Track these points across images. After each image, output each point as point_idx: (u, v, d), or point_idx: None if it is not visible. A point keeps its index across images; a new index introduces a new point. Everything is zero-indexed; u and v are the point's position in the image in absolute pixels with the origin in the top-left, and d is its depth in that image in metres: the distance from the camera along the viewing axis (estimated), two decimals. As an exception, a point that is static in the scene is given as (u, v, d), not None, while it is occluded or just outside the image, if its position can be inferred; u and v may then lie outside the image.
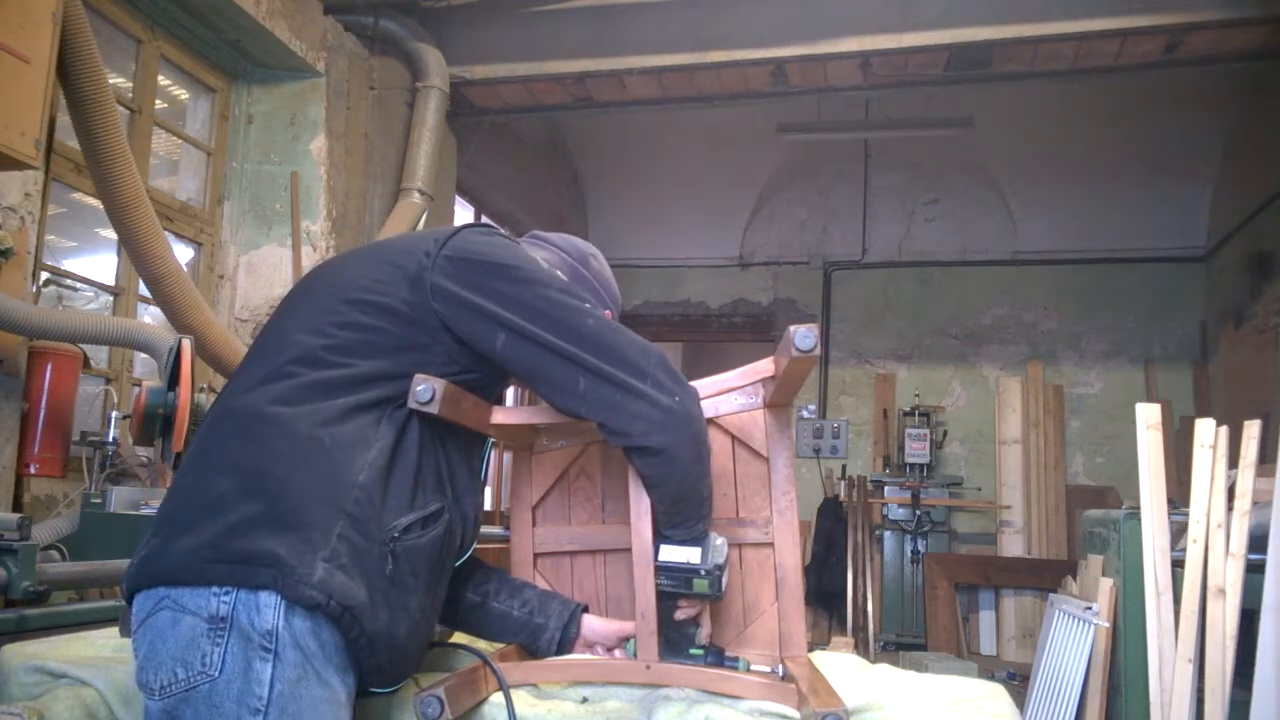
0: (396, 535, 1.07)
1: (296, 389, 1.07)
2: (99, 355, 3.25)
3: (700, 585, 1.20)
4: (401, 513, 1.09)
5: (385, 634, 1.05)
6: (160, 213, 2.98)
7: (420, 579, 1.11)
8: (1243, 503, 2.67)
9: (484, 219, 1.28)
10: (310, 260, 3.81)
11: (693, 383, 1.37)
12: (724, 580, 1.22)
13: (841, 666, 1.41)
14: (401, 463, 1.10)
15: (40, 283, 2.93)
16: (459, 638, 1.41)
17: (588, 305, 1.14)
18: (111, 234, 2.89)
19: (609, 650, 1.32)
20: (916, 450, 6.35)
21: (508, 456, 4.07)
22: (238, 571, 0.97)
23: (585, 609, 1.35)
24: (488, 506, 6.43)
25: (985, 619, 6.25)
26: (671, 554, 1.20)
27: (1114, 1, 3.86)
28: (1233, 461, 2.76)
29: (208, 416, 1.14)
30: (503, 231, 1.25)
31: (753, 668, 1.28)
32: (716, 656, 1.27)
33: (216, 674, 0.96)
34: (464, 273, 1.12)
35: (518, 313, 1.10)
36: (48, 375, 2.67)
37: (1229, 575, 2.64)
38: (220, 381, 3.10)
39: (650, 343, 1.15)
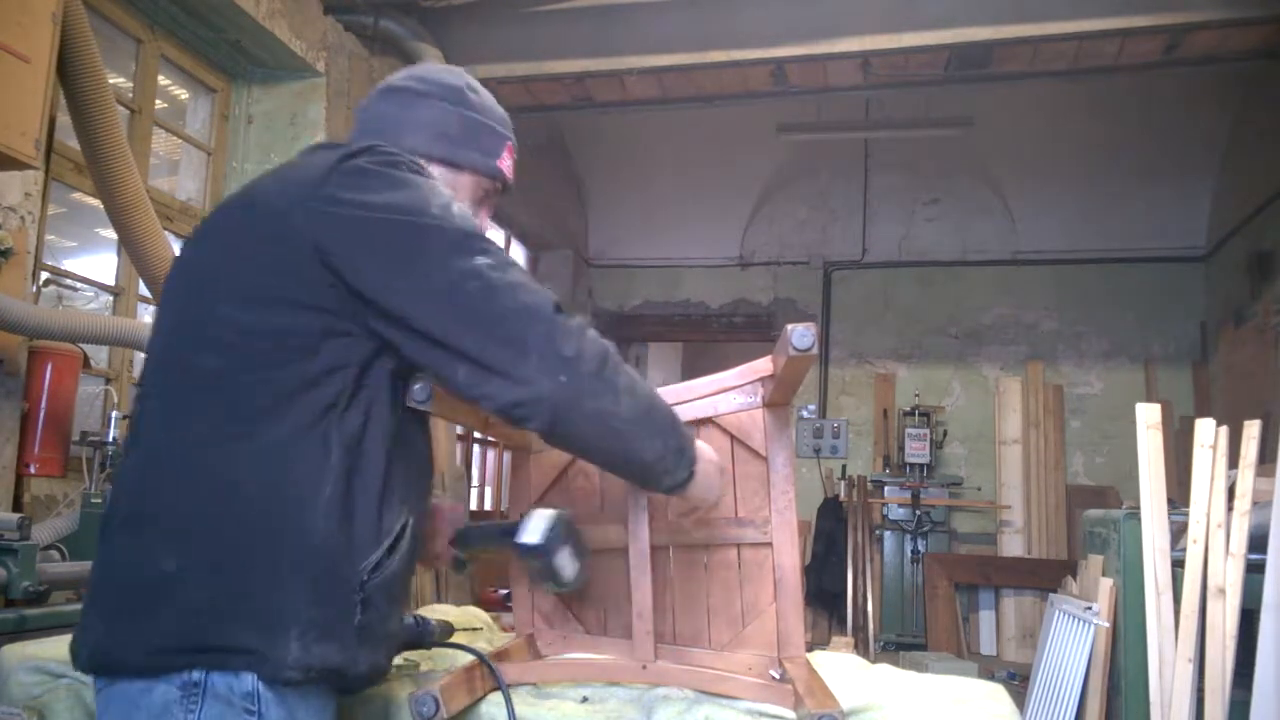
0: (365, 578, 0.99)
1: (227, 431, 0.95)
2: (99, 355, 3.25)
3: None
4: (369, 548, 1.00)
5: (368, 670, 1.03)
6: (160, 213, 2.98)
7: (395, 601, 1.06)
8: (1243, 503, 2.66)
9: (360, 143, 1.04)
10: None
11: (691, 382, 1.37)
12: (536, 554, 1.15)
13: (841, 666, 1.42)
14: (361, 482, 1.00)
15: (40, 283, 2.92)
16: (458, 638, 1.42)
17: (479, 260, 0.97)
18: (111, 234, 2.89)
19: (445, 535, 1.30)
20: (916, 450, 6.35)
21: (508, 456, 4.07)
22: (207, 658, 0.92)
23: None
24: (487, 506, 6.42)
25: (985, 619, 6.24)
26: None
27: (1114, 1, 3.86)
28: (1233, 461, 2.75)
29: (127, 461, 1.02)
30: (383, 147, 1.06)
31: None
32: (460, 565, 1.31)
33: None
34: (341, 242, 0.97)
35: (390, 298, 0.97)
36: (48, 375, 2.67)
37: (1229, 575, 2.64)
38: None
39: (543, 296, 1.00)
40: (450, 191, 1.06)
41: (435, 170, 1.15)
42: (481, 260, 0.98)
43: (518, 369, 0.96)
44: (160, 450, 0.98)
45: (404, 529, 1.05)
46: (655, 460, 1.08)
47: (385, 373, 1.03)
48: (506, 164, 1.24)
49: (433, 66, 1.26)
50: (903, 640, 5.96)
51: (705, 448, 1.18)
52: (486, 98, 1.24)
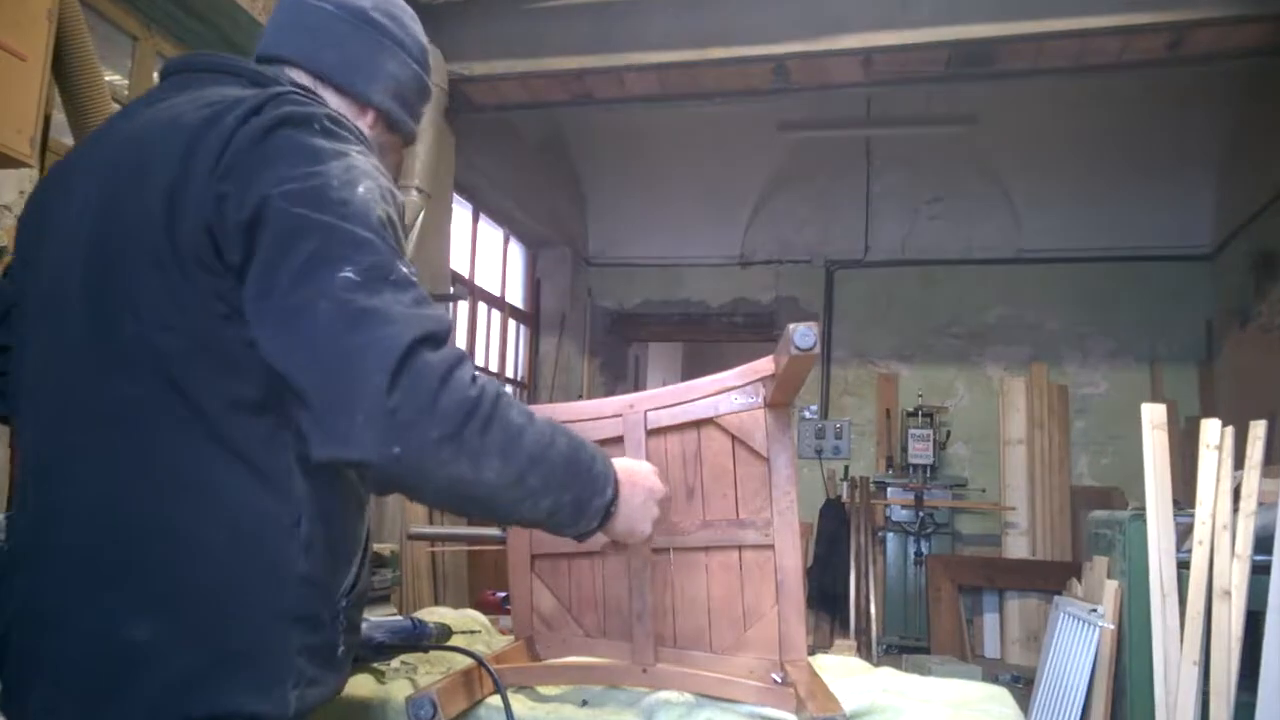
0: (344, 602, 0.93)
1: (174, 475, 0.83)
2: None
3: None
4: (346, 570, 0.94)
5: (341, 688, 0.99)
6: (158, 211, 2.97)
7: (362, 609, 1.01)
8: (1248, 504, 2.65)
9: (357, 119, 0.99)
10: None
11: (692, 382, 1.36)
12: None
13: (844, 670, 1.40)
14: (333, 503, 0.91)
15: (37, 282, 2.92)
16: (456, 640, 1.40)
17: (344, 273, 0.79)
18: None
19: None
20: (920, 451, 6.33)
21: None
22: None
23: None
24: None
25: (989, 621, 6.22)
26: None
27: (1117, -2, 3.84)
28: (1238, 462, 2.74)
29: (48, 499, 0.87)
30: (292, 95, 0.89)
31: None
32: None
33: None
34: (232, 229, 0.82)
35: (250, 310, 0.82)
36: (44, 375, 2.66)
37: (1234, 577, 2.62)
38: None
39: (402, 329, 0.79)
40: (363, 159, 0.89)
41: (376, 129, 1.06)
42: (346, 274, 0.79)
43: (341, 425, 0.77)
44: (97, 498, 0.85)
45: (368, 529, 0.99)
46: (544, 517, 0.92)
47: None
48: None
49: None
50: (906, 643, 5.94)
51: (639, 472, 1.04)
52: (424, 37, 1.12)
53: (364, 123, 1.05)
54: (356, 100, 1.05)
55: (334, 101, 1.02)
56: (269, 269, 0.80)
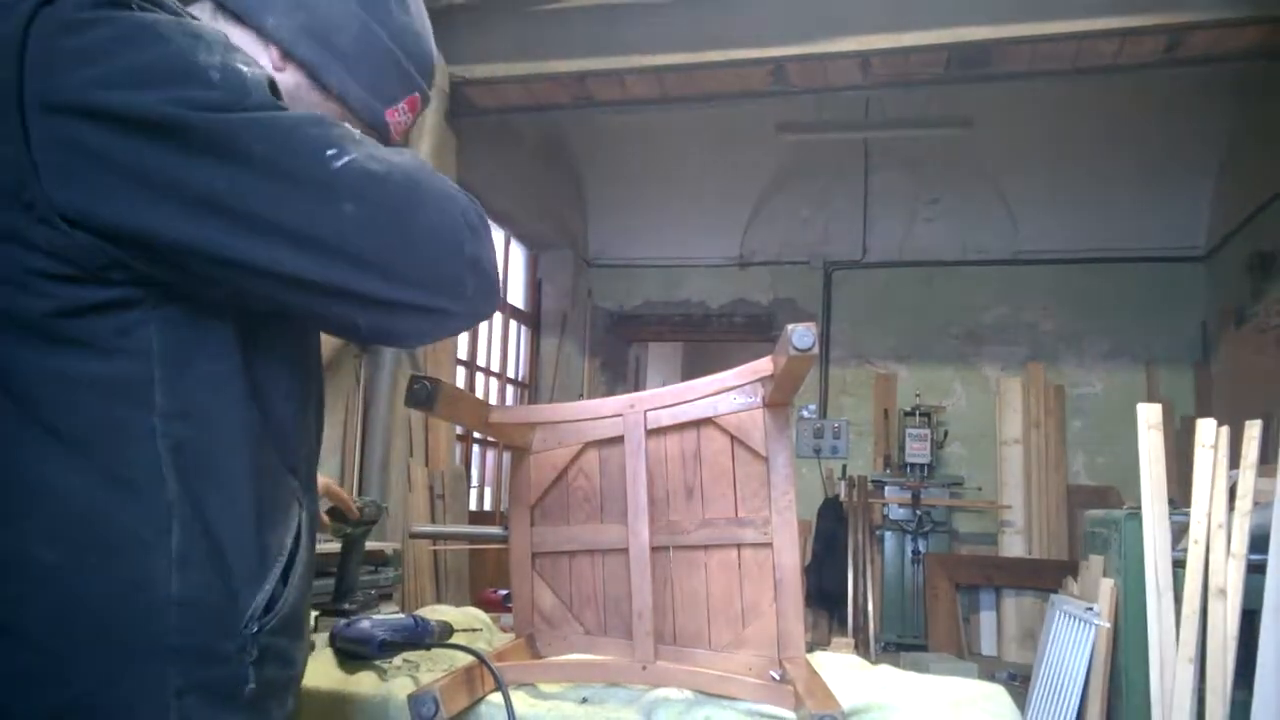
0: (256, 628, 0.72)
1: (7, 478, 0.65)
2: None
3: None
4: (254, 586, 0.73)
5: None
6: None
7: (300, 632, 0.80)
8: (1244, 503, 2.66)
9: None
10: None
11: (691, 382, 1.37)
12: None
13: (842, 667, 1.41)
14: (222, 501, 0.70)
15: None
16: (457, 638, 1.41)
17: (335, 161, 0.67)
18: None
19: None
20: (917, 450, 6.34)
21: (507, 456, 4.07)
22: None
23: None
24: (486, 506, 6.41)
25: (986, 619, 6.24)
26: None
27: (1113, 1, 3.86)
28: (1234, 462, 2.75)
29: None
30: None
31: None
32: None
33: None
34: (51, 156, 0.63)
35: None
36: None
37: (1230, 576, 2.63)
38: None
39: (435, 179, 0.73)
40: (211, 31, 0.69)
41: (291, 76, 0.82)
42: (341, 161, 0.67)
43: (457, 303, 0.74)
44: None
45: (298, 536, 0.78)
46: None
47: (206, 325, 0.70)
48: (400, 118, 0.90)
49: None
50: (903, 641, 5.96)
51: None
52: (418, 22, 0.90)
53: (266, 62, 0.82)
54: (248, 25, 0.81)
55: (235, 35, 0.79)
56: (212, 195, 0.64)
